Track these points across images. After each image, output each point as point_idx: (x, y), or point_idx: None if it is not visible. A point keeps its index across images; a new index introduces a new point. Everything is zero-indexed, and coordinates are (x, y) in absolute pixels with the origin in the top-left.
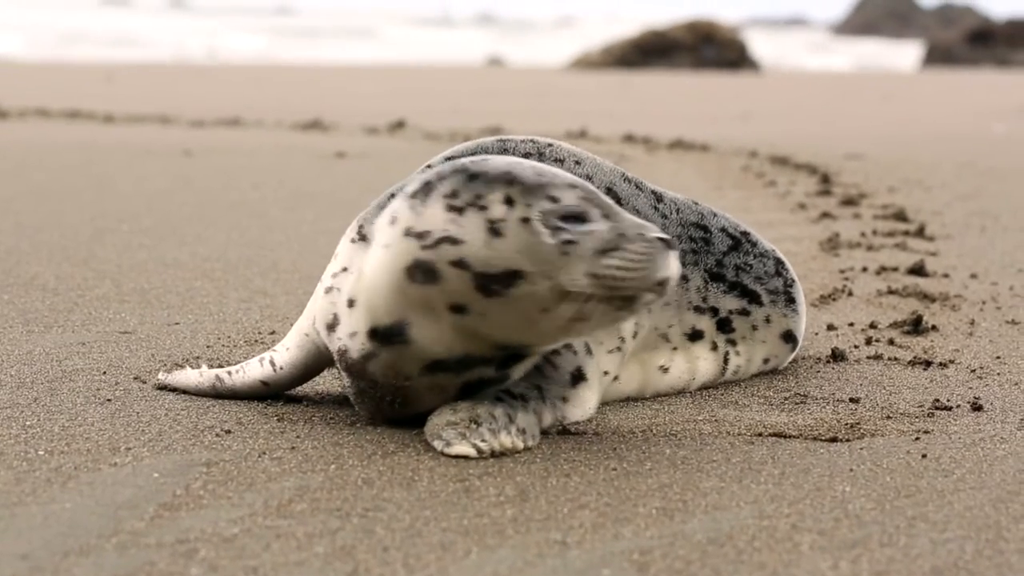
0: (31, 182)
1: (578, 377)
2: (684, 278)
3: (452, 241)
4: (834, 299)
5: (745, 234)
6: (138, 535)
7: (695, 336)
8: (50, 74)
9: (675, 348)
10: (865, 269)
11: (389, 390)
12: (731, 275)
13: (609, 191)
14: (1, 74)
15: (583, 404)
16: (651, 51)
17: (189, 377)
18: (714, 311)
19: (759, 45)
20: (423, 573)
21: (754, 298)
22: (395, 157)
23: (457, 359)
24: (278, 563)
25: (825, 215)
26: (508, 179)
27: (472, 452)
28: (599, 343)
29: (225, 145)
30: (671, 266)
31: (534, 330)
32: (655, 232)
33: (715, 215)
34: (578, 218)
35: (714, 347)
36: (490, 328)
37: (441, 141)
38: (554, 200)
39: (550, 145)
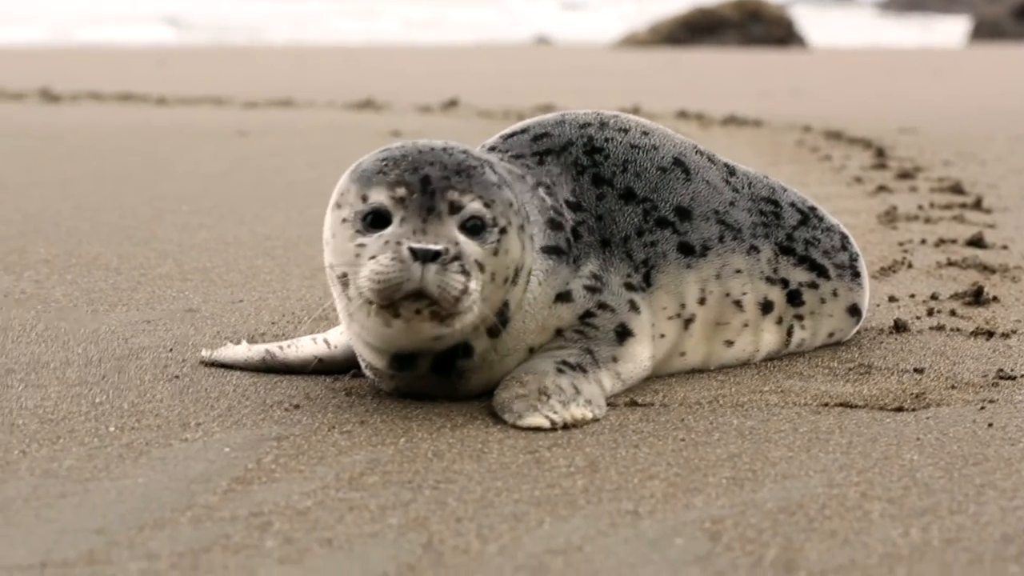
0: (88, 165)
1: (623, 334)
2: (755, 248)
3: (325, 241)
4: (894, 271)
5: (812, 209)
6: (212, 509)
7: (767, 307)
8: (100, 57)
9: (747, 318)
10: (924, 241)
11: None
12: (800, 249)
13: (677, 162)
14: (51, 58)
15: (635, 359)
16: (698, 29)
17: (237, 352)
18: (784, 283)
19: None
20: (496, 544)
21: (822, 272)
22: (450, 135)
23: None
24: (352, 535)
25: (881, 188)
26: (351, 177)
27: (545, 423)
28: (657, 306)
29: (279, 126)
30: (419, 277)
31: (382, 335)
32: (412, 243)
33: (784, 190)
34: (386, 219)
35: (779, 320)
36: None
37: (495, 119)
38: (364, 200)
39: (615, 116)
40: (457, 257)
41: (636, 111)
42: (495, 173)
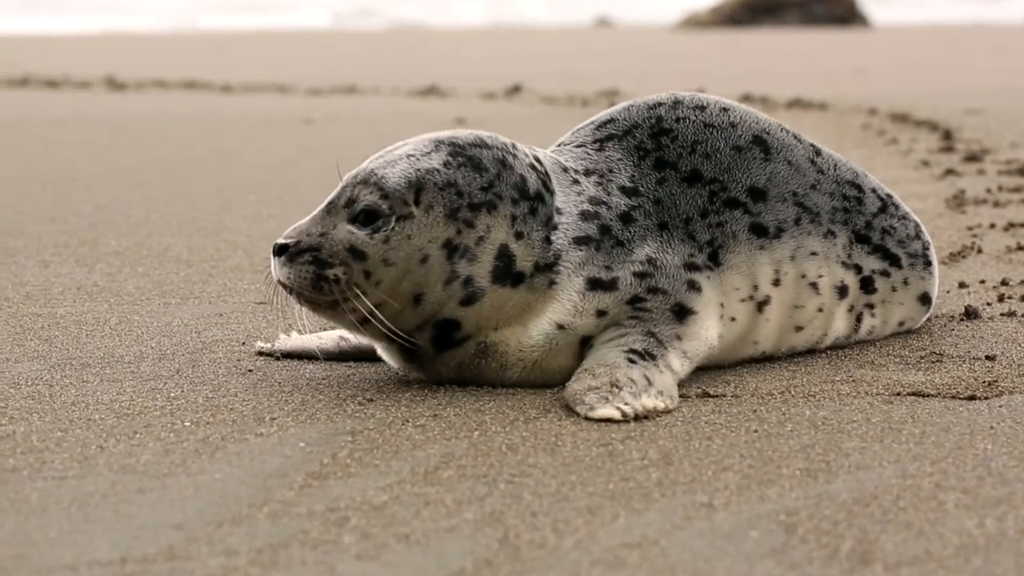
0: (155, 154)
1: (682, 312)
2: (832, 233)
3: None
4: (964, 256)
5: (889, 196)
6: (289, 504)
7: (843, 291)
8: (164, 45)
9: (823, 301)
10: (993, 226)
11: None
12: (876, 238)
13: (758, 140)
14: (114, 46)
15: (699, 337)
16: (759, 9)
17: (307, 341)
18: (858, 268)
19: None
20: (572, 538)
21: (895, 261)
22: (514, 122)
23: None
24: (429, 530)
25: (949, 172)
26: None
27: (616, 415)
28: (729, 286)
29: (344, 113)
30: (275, 271)
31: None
32: (280, 240)
33: (866, 175)
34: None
35: (851, 308)
36: None
37: (558, 105)
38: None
39: (694, 96)
40: (311, 248)
41: None
42: (422, 167)
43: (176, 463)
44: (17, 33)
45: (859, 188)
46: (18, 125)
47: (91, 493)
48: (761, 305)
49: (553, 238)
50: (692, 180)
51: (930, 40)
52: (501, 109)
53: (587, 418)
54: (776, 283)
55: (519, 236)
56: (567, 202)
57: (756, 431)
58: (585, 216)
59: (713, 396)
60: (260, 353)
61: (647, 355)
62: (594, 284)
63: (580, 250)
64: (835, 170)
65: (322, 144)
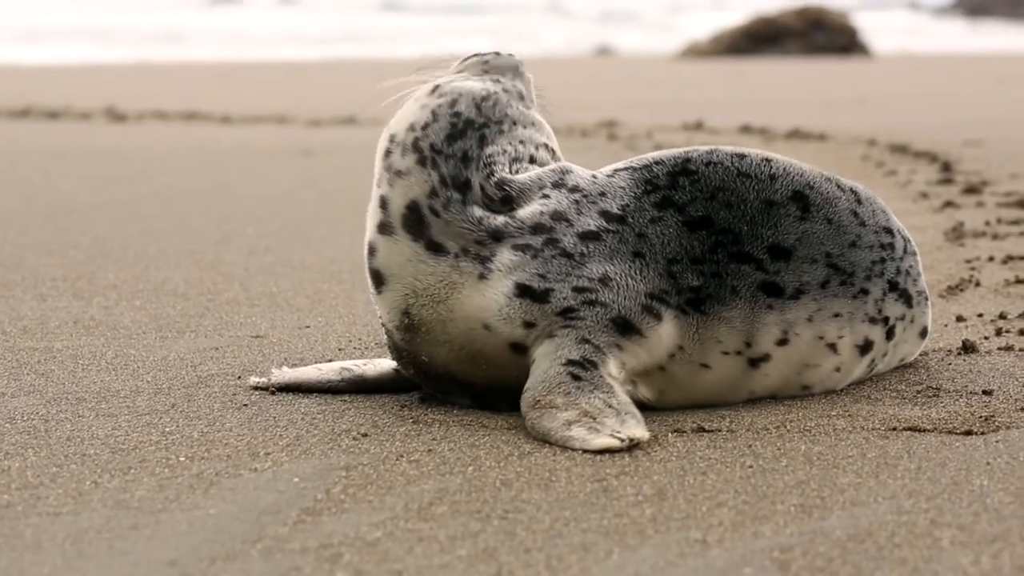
0: (154, 186)
1: (626, 327)
2: (864, 292)
3: None
4: (962, 290)
5: (901, 230)
6: (282, 540)
7: (866, 348)
8: (164, 75)
9: (840, 362)
10: (991, 258)
11: None
12: (903, 282)
13: (797, 197)
14: (115, 77)
15: (639, 357)
16: (761, 38)
17: (307, 373)
18: (886, 320)
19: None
20: (566, 575)
21: (909, 302)
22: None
23: None
24: (422, 566)
25: (948, 204)
26: None
27: (616, 443)
28: (708, 336)
29: (344, 144)
30: None
31: None
32: None
33: (886, 212)
34: None
35: (872, 361)
36: None
37: (559, 136)
38: None
39: (743, 156)
40: None
41: (699, 126)
42: (457, 86)
43: (170, 499)
44: (21, 63)
45: (891, 232)
46: (19, 157)
47: (85, 529)
48: (756, 361)
49: (489, 242)
50: (698, 226)
51: (932, 70)
52: None
53: (584, 451)
54: (783, 343)
55: (434, 212)
56: (526, 213)
57: (751, 466)
58: (537, 229)
59: (708, 431)
60: (255, 387)
61: (586, 363)
62: (523, 291)
63: (515, 255)
64: (873, 217)
65: (322, 176)
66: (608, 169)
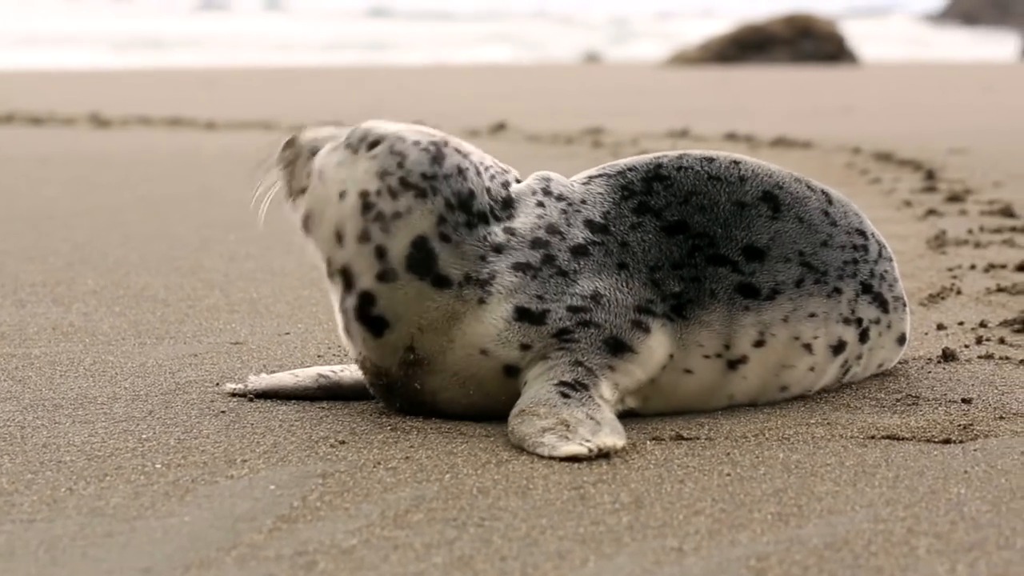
0: (137, 192)
1: (618, 347)
2: (837, 291)
3: None
4: (943, 298)
5: (875, 234)
6: (257, 548)
7: (839, 348)
8: (149, 81)
9: (814, 361)
10: (973, 267)
11: None
12: (877, 285)
13: (767, 197)
14: (99, 82)
15: (632, 375)
16: (748, 46)
17: (283, 379)
18: (859, 321)
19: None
20: None
21: (885, 307)
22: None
23: None
24: (397, 574)
25: (931, 212)
26: None
27: (584, 451)
28: (691, 341)
29: None
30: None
31: None
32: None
33: (859, 215)
34: None
35: (844, 363)
36: None
37: (543, 143)
38: None
39: (712, 159)
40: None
41: (684, 134)
42: (401, 131)
43: (145, 506)
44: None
45: (864, 235)
46: (2, 163)
47: (59, 536)
48: (735, 363)
49: (491, 258)
50: (675, 231)
51: (919, 79)
52: (486, 146)
53: (551, 457)
54: (759, 344)
55: (444, 238)
56: (524, 224)
57: (729, 474)
58: (535, 244)
59: (687, 439)
60: (232, 394)
61: (578, 385)
62: (522, 314)
63: (516, 276)
64: (845, 218)
65: None
66: (582, 177)
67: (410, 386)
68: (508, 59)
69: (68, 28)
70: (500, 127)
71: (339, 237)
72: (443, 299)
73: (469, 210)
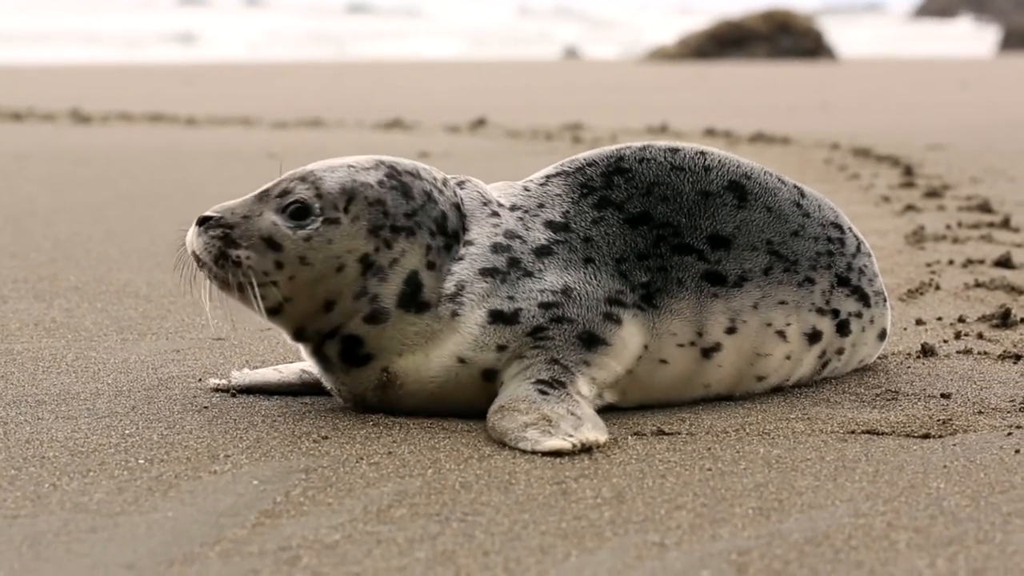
0: (118, 188)
1: (592, 341)
2: (810, 281)
3: None
4: (921, 293)
5: (852, 229)
6: (241, 543)
7: (815, 338)
8: (129, 77)
9: (790, 349)
10: (951, 262)
11: None
12: (855, 279)
13: (733, 187)
14: (81, 78)
15: (608, 367)
16: (727, 42)
17: (267, 375)
18: (835, 313)
19: (835, 33)
20: None
21: (866, 301)
22: (478, 156)
23: None
24: (380, 569)
25: (909, 207)
26: None
27: (567, 445)
28: (664, 330)
29: (309, 146)
30: (191, 239)
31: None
32: (207, 212)
33: (836, 211)
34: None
35: (822, 353)
36: None
37: (522, 139)
38: None
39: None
40: (227, 226)
41: (664, 129)
42: (359, 181)
43: (129, 501)
44: None
45: (840, 228)
46: None
47: (43, 532)
48: (709, 351)
49: (456, 268)
50: (638, 222)
51: (897, 74)
52: (465, 143)
53: (533, 452)
54: (731, 331)
55: (431, 266)
56: (480, 234)
57: (710, 469)
58: (496, 249)
59: (668, 434)
60: (215, 389)
61: (555, 383)
62: (496, 316)
63: (485, 281)
64: (819, 211)
65: None
66: (539, 177)
67: (385, 403)
68: (488, 55)
69: (48, 24)
70: (480, 123)
71: (329, 305)
72: (423, 322)
73: (446, 232)
